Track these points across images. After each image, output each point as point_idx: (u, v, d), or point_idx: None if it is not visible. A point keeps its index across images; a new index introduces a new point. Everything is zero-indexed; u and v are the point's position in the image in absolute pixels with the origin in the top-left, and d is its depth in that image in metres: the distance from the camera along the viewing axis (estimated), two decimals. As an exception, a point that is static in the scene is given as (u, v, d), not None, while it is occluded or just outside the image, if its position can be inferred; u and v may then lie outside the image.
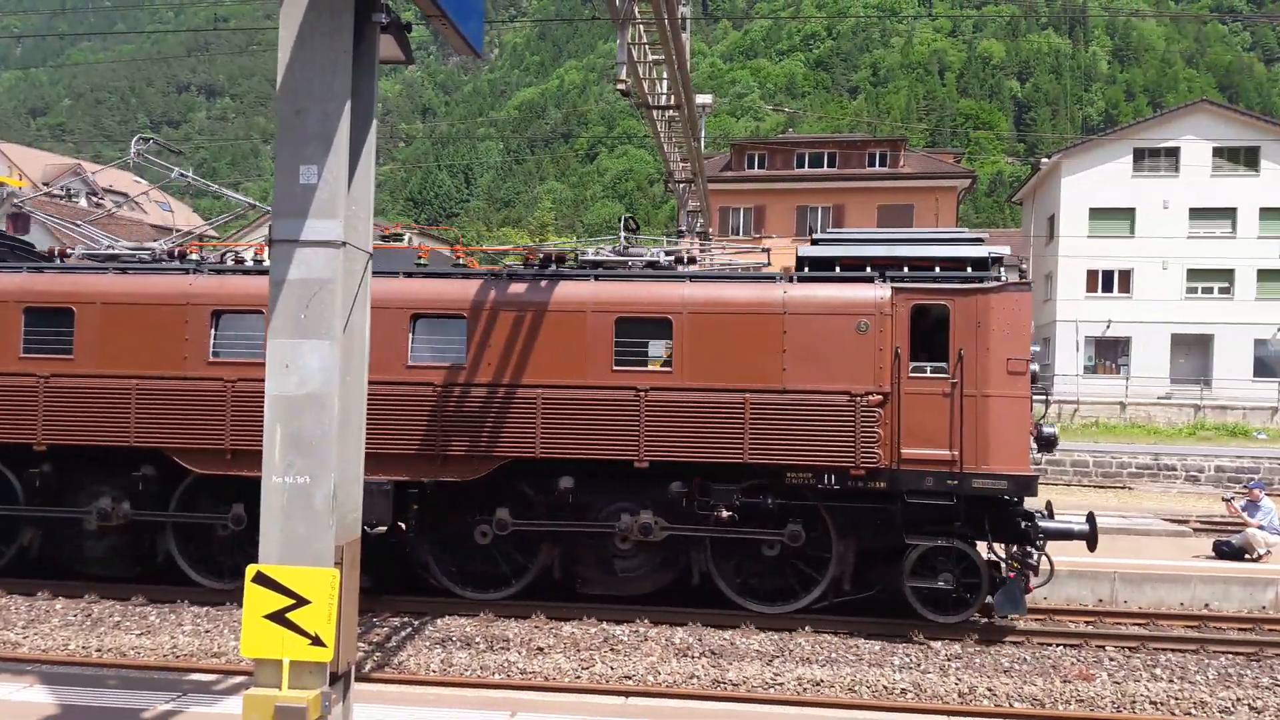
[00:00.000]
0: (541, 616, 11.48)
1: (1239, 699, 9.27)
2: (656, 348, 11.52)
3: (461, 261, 13.22)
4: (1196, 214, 44.60)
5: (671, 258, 12.18)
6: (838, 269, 11.50)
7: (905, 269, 11.34)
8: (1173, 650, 10.86)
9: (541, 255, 12.28)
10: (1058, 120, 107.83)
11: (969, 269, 11.25)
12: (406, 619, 11.35)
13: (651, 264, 12.10)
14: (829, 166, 46.68)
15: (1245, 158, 44.94)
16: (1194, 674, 10.00)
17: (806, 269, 11.60)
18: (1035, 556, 11.22)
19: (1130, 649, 10.89)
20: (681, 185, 22.73)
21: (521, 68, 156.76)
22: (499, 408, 11.30)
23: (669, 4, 13.21)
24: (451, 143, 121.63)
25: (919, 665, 10.17)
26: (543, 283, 11.60)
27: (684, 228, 24.87)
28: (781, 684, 9.53)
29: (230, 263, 12.55)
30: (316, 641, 5.16)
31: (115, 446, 11.71)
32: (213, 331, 11.66)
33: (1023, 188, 54.97)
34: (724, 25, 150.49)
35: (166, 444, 11.62)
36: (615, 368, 11.25)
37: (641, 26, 14.72)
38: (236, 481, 11.48)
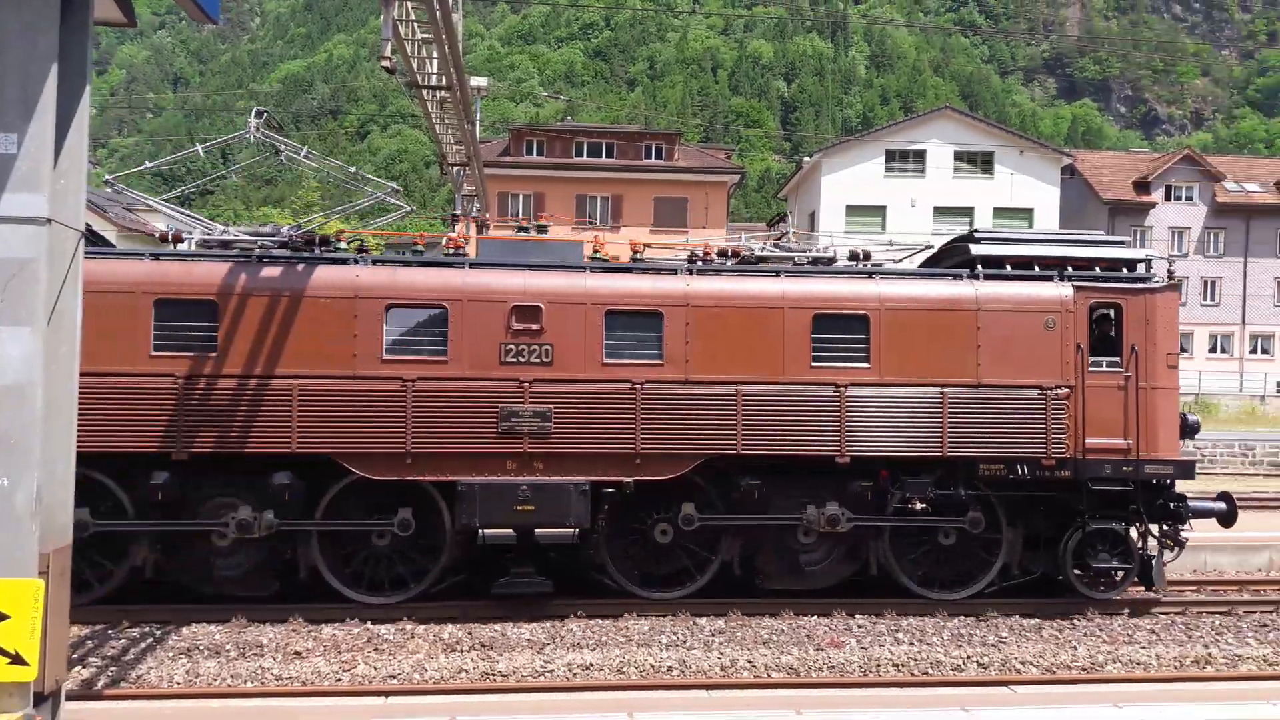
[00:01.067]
0: (300, 620, 10.83)
1: (969, 657, 10.07)
2: (851, 343, 11.40)
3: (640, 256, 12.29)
4: (940, 212, 48.35)
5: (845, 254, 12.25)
6: (1008, 267, 11.96)
7: (1069, 269, 11.92)
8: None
9: (730, 252, 12.11)
10: (820, 121, 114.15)
11: (1125, 269, 12.06)
12: (150, 628, 10.44)
13: (853, 257, 12.36)
14: (608, 156, 47.16)
15: (982, 161, 49.19)
16: (931, 636, 10.79)
17: (980, 267, 11.91)
18: (1181, 534, 11.90)
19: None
20: (456, 169, 22.25)
21: (286, 39, 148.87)
22: (699, 405, 11.11)
23: (437, -19, 12.79)
24: (207, 115, 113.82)
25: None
26: (738, 278, 11.52)
27: (459, 212, 24.37)
28: (553, 670, 9.45)
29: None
30: (17, 660, 4.59)
31: (271, 453, 10.57)
32: (386, 327, 10.80)
33: (787, 184, 57.79)
34: (502, 8, 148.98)
35: (336, 449, 10.67)
36: (814, 364, 11.28)
37: (410, 3, 14.20)
38: (393, 486, 10.87)
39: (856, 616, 11.41)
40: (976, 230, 13.13)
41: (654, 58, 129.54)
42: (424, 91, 16.92)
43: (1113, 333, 11.82)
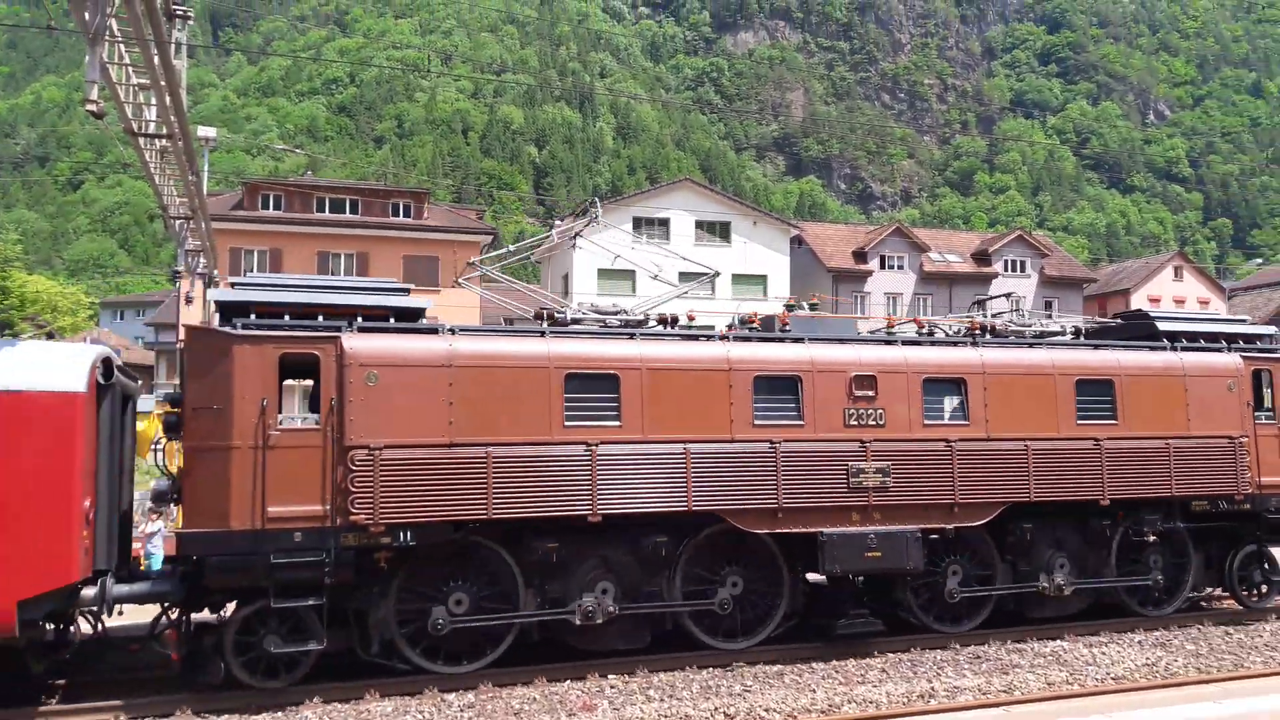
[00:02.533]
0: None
1: (716, 709, 10.16)
2: (1103, 404, 13.44)
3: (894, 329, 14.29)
4: (685, 277, 50.39)
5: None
6: (1183, 341, 14.51)
7: (1200, 340, 14.65)
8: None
9: (991, 328, 14.08)
10: (572, 186, 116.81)
11: (1259, 342, 15.11)
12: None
13: (1076, 333, 14.75)
14: (352, 213, 45.79)
15: (720, 230, 51.94)
16: (681, 690, 10.83)
17: (1166, 340, 14.46)
18: None
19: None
20: (179, 222, 20.70)
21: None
22: (999, 459, 12.71)
23: (155, 25, 11.90)
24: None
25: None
26: (1020, 349, 13.48)
27: (180, 267, 22.63)
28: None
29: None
30: None
31: (670, 512, 11.41)
32: (754, 396, 11.86)
33: (541, 247, 58.42)
34: (238, 58, 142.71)
35: (722, 506, 11.60)
36: (1079, 421, 13.19)
37: (123, 47, 13.13)
38: (726, 542, 11.98)
39: (610, 677, 11.30)
40: (1144, 310, 16.90)
41: (402, 116, 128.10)
42: (141, 140, 15.69)
43: (1266, 391, 14.72)
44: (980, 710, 9.55)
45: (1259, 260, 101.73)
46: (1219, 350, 14.57)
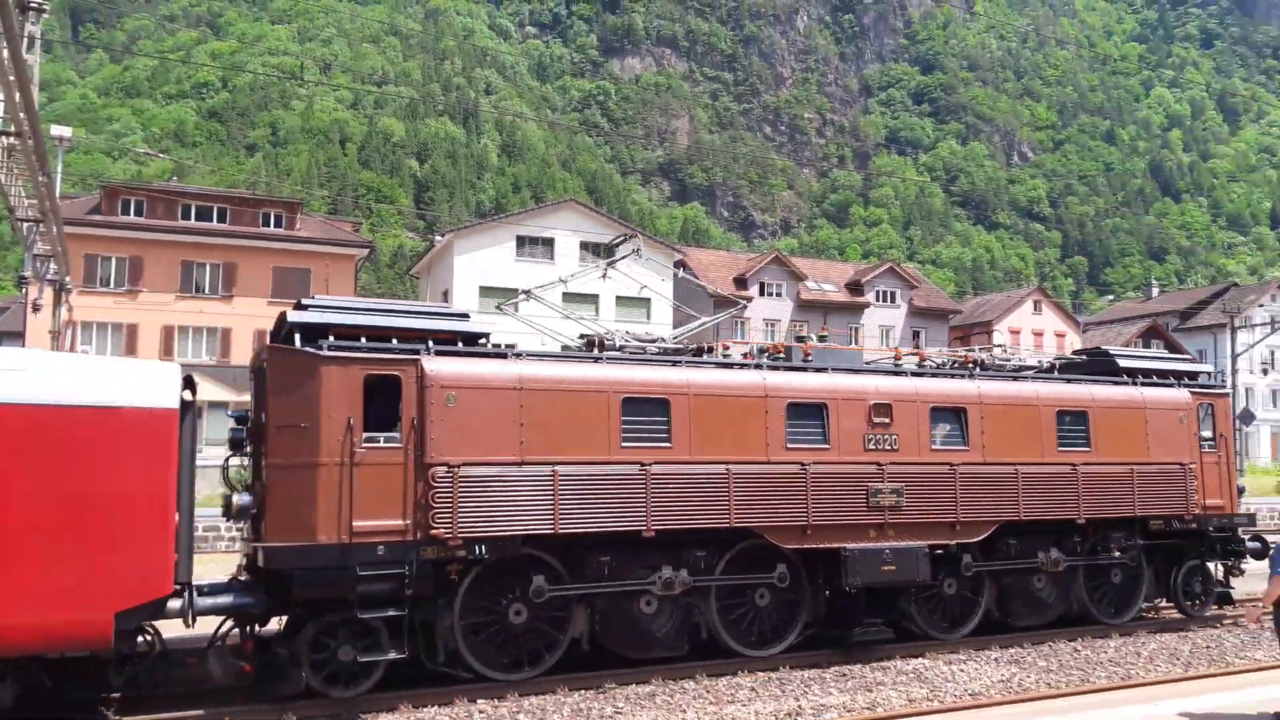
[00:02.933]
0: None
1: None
2: (1079, 433, 14.69)
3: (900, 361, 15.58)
4: (568, 298, 50.39)
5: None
6: (1140, 378, 15.78)
7: (1153, 376, 15.99)
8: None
9: (981, 362, 15.34)
10: (454, 202, 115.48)
11: (1203, 378, 16.72)
12: None
13: (1051, 368, 16.05)
14: (220, 221, 44.10)
15: (605, 252, 52.18)
16: (551, 714, 10.62)
17: (1126, 376, 15.76)
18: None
19: None
20: (27, 225, 19.48)
21: None
22: (994, 481, 13.84)
23: (5, 16, 11.21)
24: None
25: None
26: (1012, 382, 14.74)
27: (27, 273, 21.29)
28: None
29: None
30: None
31: (713, 527, 12.16)
32: (787, 421, 12.67)
33: (420, 262, 57.43)
34: (99, 55, 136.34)
35: (759, 523, 12.38)
36: (1059, 448, 14.44)
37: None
38: (768, 552, 12.67)
39: (479, 701, 10.96)
40: (1103, 347, 18.16)
41: (277, 124, 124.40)
42: (-14, 134, 14.75)
43: (1207, 422, 16.11)
44: (844, 728, 9.70)
45: (1111, 297, 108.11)
46: (1170, 385, 16.01)
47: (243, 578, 11.31)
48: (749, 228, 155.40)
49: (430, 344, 11.19)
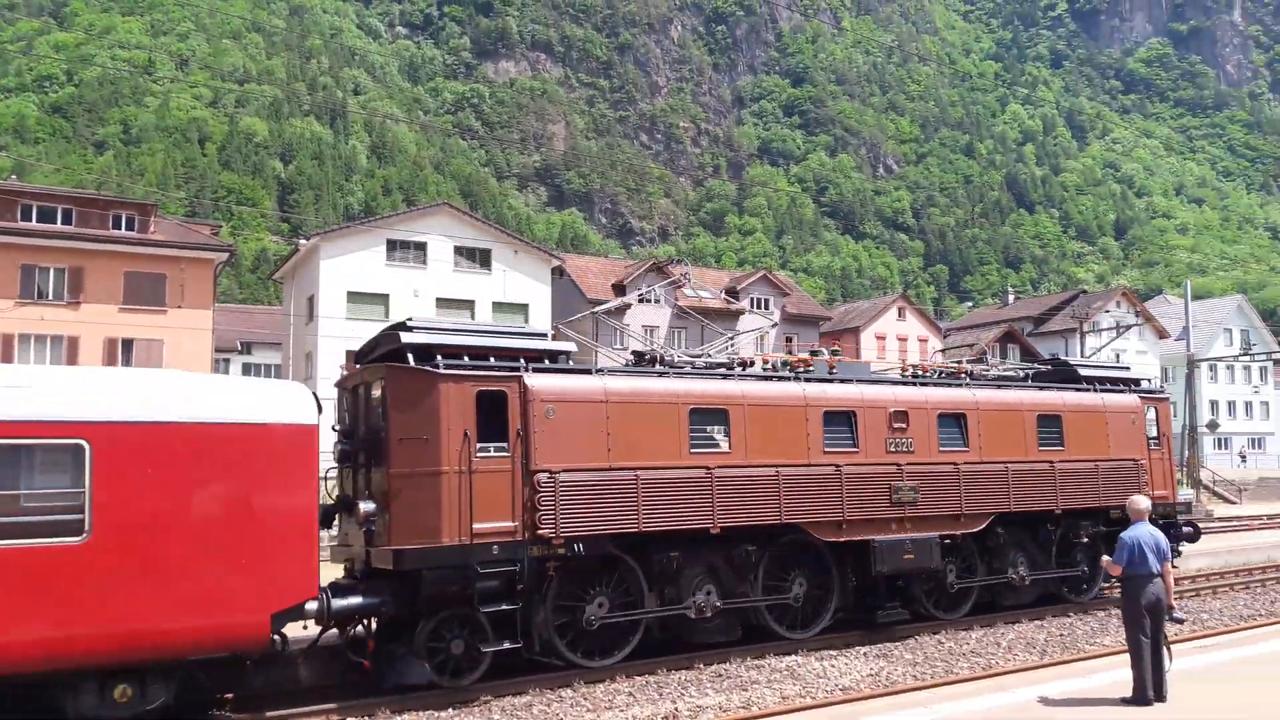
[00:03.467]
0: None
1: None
2: (1054, 434, 16.50)
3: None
4: (443, 303, 49.36)
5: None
6: (1097, 385, 17.83)
7: (1108, 383, 18.07)
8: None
9: (974, 373, 17.40)
10: (321, 205, 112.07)
11: (1142, 384, 19.07)
12: None
13: (1026, 376, 18.33)
14: (65, 223, 41.50)
15: (481, 258, 51.40)
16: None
17: (1086, 383, 17.76)
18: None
19: None
20: None
21: None
22: (990, 478, 15.50)
23: None
24: None
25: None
26: (1006, 390, 16.62)
27: None
28: None
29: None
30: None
31: (772, 525, 13.45)
32: (824, 428, 14.06)
33: (284, 266, 55.43)
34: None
35: (804, 519, 13.68)
36: (1040, 448, 16.23)
37: None
38: (806, 546, 14.07)
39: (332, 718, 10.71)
40: (1058, 356, 20.29)
41: (129, 121, 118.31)
42: None
43: (1153, 424, 18.19)
44: (720, 728, 9.74)
45: (970, 303, 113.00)
46: (1123, 391, 18.13)
47: (344, 582, 12.03)
48: (627, 234, 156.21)
49: (524, 362, 12.24)
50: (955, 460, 15.24)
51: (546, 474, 11.87)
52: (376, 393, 12.07)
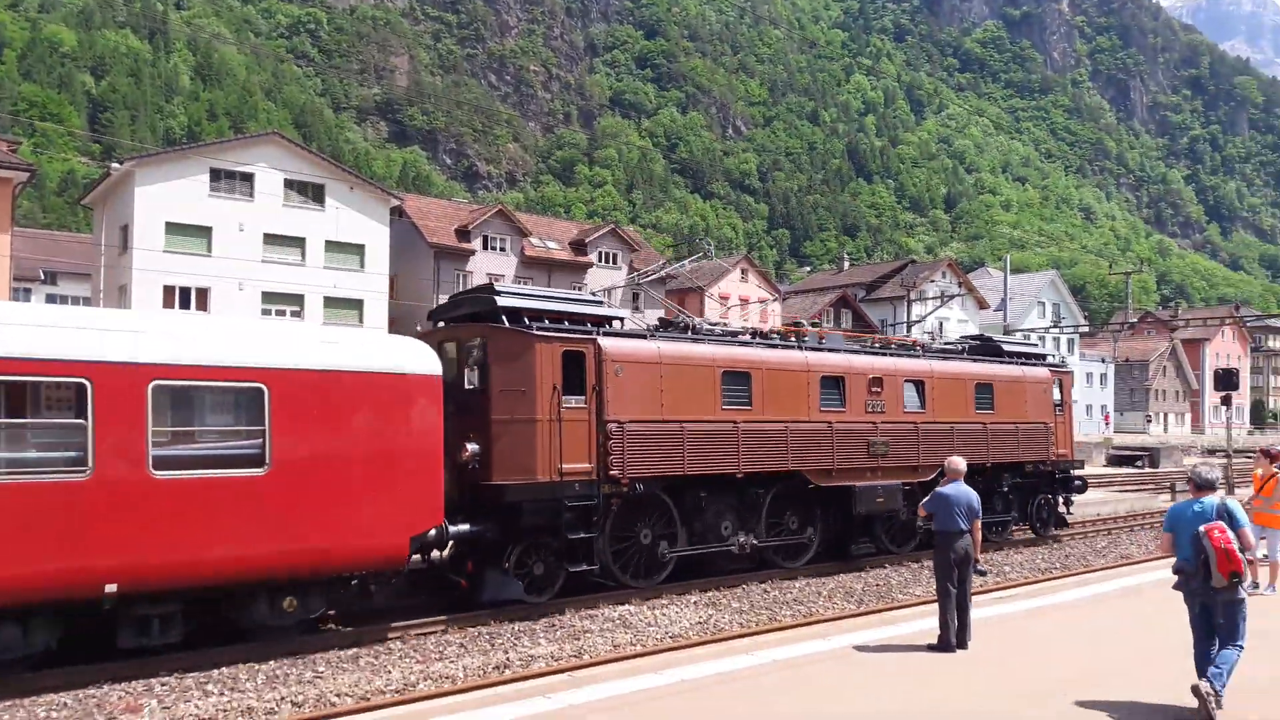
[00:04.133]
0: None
1: (283, 698, 9.50)
2: (987, 399, 19.46)
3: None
4: (271, 239, 46.87)
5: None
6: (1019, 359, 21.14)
7: (1023, 358, 21.38)
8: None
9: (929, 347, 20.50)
10: (138, 127, 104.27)
11: (1048, 359, 22.33)
12: None
13: (963, 350, 21.13)
14: None
15: (313, 193, 49.10)
16: (245, 682, 10.00)
17: (1007, 358, 20.97)
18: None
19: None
20: None
21: None
22: (940, 435, 18.16)
23: None
24: None
25: None
26: (954, 361, 19.80)
27: None
28: None
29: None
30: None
31: (780, 471, 15.80)
32: (820, 390, 16.53)
33: (94, 191, 51.40)
34: None
35: (806, 467, 16.14)
36: (977, 410, 19.15)
37: None
38: (801, 489, 16.35)
39: (160, 674, 10.18)
40: (988, 335, 23.26)
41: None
42: None
43: (1058, 393, 21.30)
44: (551, 676, 9.80)
45: (809, 268, 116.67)
46: (1037, 365, 21.28)
47: None
48: (473, 178, 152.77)
49: (594, 326, 14.11)
50: (915, 420, 17.88)
51: (616, 424, 13.78)
52: (473, 348, 13.61)
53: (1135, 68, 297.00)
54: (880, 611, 13.02)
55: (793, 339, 17.10)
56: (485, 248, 58.22)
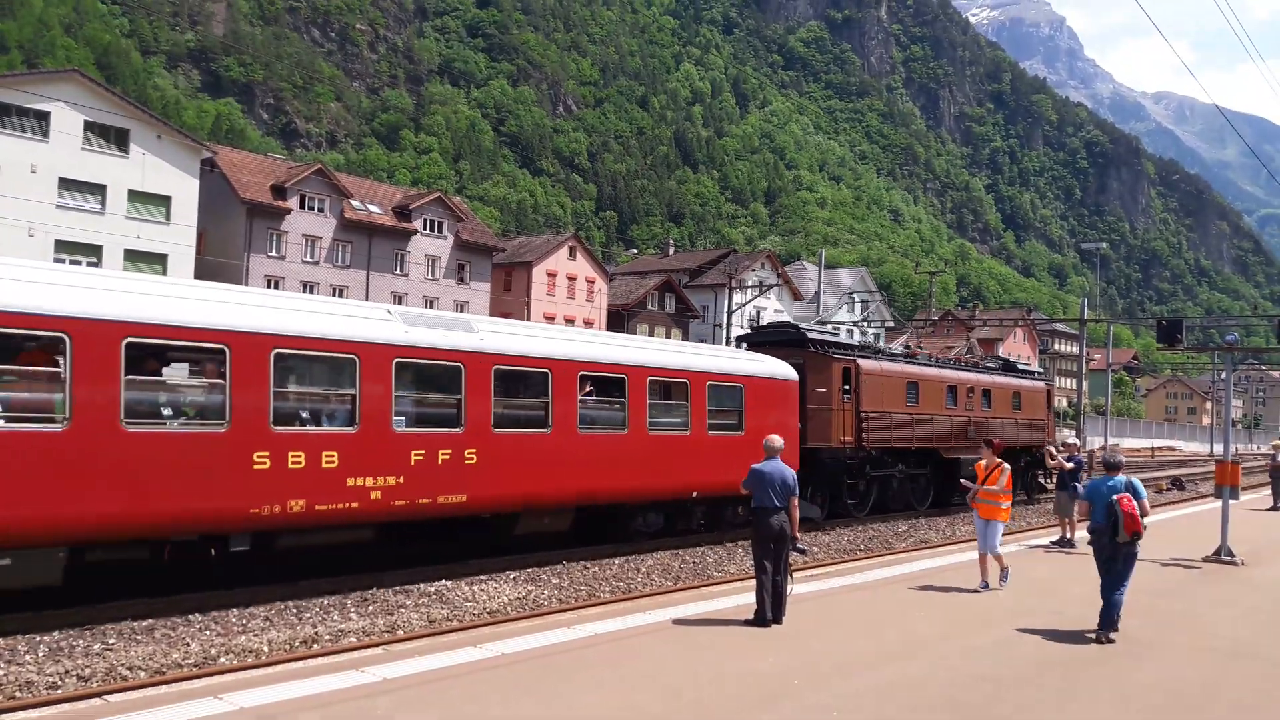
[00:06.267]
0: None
1: (68, 671, 8.78)
2: (1018, 402, 29.05)
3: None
4: (68, 184, 43.34)
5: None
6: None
7: (1026, 374, 31.58)
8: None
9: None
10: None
11: (1037, 375, 32.87)
12: None
13: (986, 364, 31.71)
14: None
15: (116, 137, 45.56)
16: (24, 655, 9.19)
17: (1015, 373, 30.45)
18: None
19: None
20: None
21: None
22: (1001, 428, 26.51)
23: None
24: None
25: None
26: (993, 375, 28.91)
27: None
28: None
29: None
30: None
31: (928, 446, 24.60)
32: (947, 394, 25.53)
33: None
34: None
35: (939, 445, 24.72)
36: (1012, 410, 28.56)
37: None
38: (926, 459, 24.85)
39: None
40: (1006, 357, 35.21)
41: None
42: None
43: (1048, 398, 31.46)
44: (363, 651, 9.49)
45: (634, 251, 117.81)
46: (1036, 379, 30.74)
47: None
48: (291, 135, 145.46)
49: (855, 351, 23.25)
50: (985, 415, 26.51)
51: (864, 413, 22.04)
52: (796, 363, 20.31)
53: (945, 78, 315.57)
54: (697, 587, 13.32)
55: (934, 360, 27.03)
56: (302, 207, 55.82)
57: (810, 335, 22.21)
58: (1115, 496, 9.58)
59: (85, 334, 9.90)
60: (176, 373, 11.47)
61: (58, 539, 9.87)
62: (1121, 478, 9.88)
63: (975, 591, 12.29)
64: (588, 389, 15.25)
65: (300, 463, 11.37)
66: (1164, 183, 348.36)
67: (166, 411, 10.82)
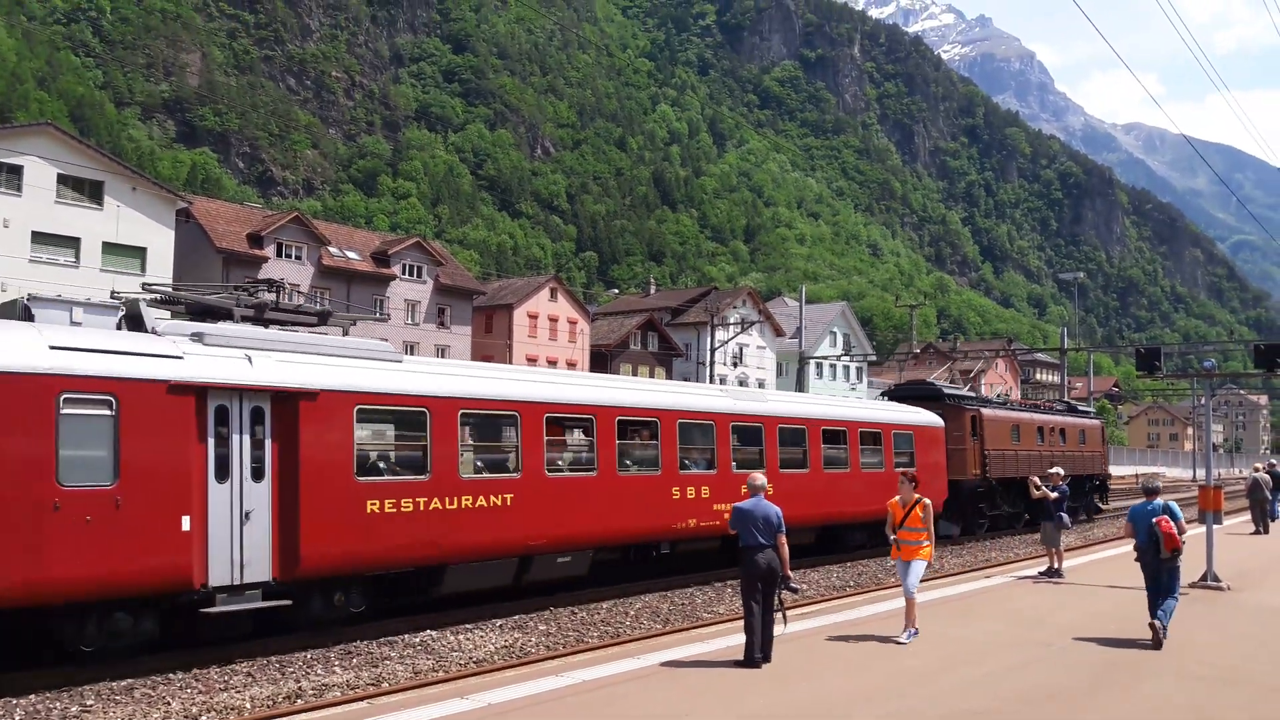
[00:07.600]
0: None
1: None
2: (1077, 438, 34.35)
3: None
4: (41, 238, 43.18)
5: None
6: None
7: (1086, 414, 37.59)
8: None
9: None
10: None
11: (1091, 413, 39.65)
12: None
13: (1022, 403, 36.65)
14: None
15: (90, 190, 45.45)
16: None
17: (1079, 414, 36.35)
18: None
19: None
20: None
21: None
22: (1068, 459, 30.71)
23: None
24: None
25: None
26: (1059, 416, 34.09)
27: None
28: None
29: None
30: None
31: (1015, 477, 28.10)
32: (1013, 432, 29.73)
33: None
34: None
35: (1026, 473, 25.15)
36: (1079, 444, 34.51)
37: None
38: (1022, 488, 25.27)
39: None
40: (1067, 400, 41.52)
41: None
42: None
43: (1100, 431, 37.93)
44: (347, 705, 9.31)
45: (616, 290, 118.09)
46: (1093, 418, 36.07)
47: None
48: (268, 184, 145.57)
49: (978, 402, 29.30)
50: (1060, 449, 30.91)
51: (986, 451, 27.21)
52: (938, 412, 25.29)
53: (919, 114, 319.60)
54: (685, 630, 13.16)
55: (1023, 406, 33.10)
56: (279, 255, 55.68)
57: (945, 390, 28.41)
58: (1155, 519, 10.86)
59: (528, 411, 14.62)
60: (614, 436, 16.04)
61: (589, 543, 15.65)
62: (1160, 501, 11.13)
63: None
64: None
65: (692, 495, 16.99)
66: (1137, 212, 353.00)
67: (628, 462, 16.35)
